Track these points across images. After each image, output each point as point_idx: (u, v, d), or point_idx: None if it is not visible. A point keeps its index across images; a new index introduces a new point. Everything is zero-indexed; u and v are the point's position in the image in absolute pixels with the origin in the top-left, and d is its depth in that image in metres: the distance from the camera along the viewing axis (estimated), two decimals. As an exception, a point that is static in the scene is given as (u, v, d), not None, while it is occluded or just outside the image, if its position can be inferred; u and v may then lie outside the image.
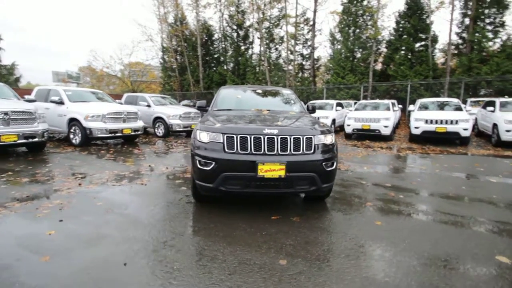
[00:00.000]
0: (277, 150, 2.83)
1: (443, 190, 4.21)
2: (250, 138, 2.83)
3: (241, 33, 26.35)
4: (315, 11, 22.14)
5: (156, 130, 10.62)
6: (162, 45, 28.99)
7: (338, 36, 21.60)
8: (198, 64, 26.07)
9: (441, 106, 10.37)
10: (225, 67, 27.75)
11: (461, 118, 8.77)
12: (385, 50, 20.69)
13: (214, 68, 28.10)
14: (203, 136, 3.00)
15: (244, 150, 2.82)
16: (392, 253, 2.33)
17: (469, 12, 17.58)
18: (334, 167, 3.08)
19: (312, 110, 4.46)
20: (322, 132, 3.05)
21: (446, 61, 18.66)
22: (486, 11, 16.91)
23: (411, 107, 11.42)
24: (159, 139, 9.92)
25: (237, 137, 2.84)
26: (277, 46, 25.26)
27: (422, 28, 18.54)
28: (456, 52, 18.84)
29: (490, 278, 1.99)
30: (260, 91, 4.90)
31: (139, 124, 8.70)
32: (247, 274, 1.99)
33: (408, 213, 3.28)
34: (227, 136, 2.87)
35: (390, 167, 5.98)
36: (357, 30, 20.54)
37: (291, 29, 23.28)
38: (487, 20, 17.04)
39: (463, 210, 3.35)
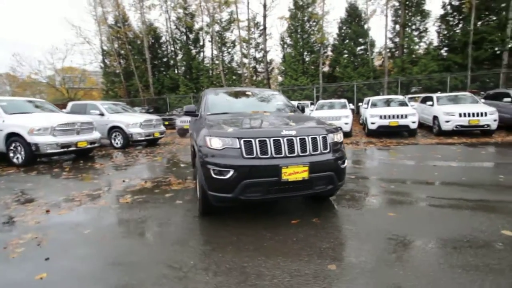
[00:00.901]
0: (298, 152, 2.73)
1: (422, 177, 4.63)
2: (269, 141, 2.68)
3: (192, 36, 25.59)
4: (264, 16, 22.73)
5: (112, 141, 9.54)
6: (102, 48, 26.44)
7: (288, 40, 22.53)
8: (147, 69, 24.47)
9: (390, 103, 11.55)
10: (176, 71, 26.61)
11: (410, 112, 9.88)
12: (330, 53, 22.28)
13: (164, 72, 26.71)
14: (215, 142, 2.73)
15: (264, 154, 2.66)
16: (425, 241, 2.43)
17: (399, 20, 20.05)
18: (346, 164, 3.12)
19: (302, 110, 4.49)
20: (333, 131, 3.07)
21: (383, 63, 20.97)
22: (412, 18, 19.53)
23: (364, 105, 12.47)
24: (117, 151, 8.92)
25: (255, 141, 2.66)
26: (230, 50, 25.21)
27: (361, 34, 20.50)
28: (389, 55, 21.31)
29: (504, 249, 2.21)
30: (249, 93, 4.75)
31: (95, 135, 7.72)
32: (306, 287, 1.85)
33: (409, 202, 3.49)
34: (244, 141, 2.66)
35: (365, 161, 6.39)
36: (305, 35, 21.71)
37: (243, 33, 23.52)
38: (414, 27, 19.67)
39: (451, 193, 3.72)
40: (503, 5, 16.46)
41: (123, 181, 4.97)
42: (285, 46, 22.78)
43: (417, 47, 19.25)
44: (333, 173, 2.88)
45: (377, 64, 21.46)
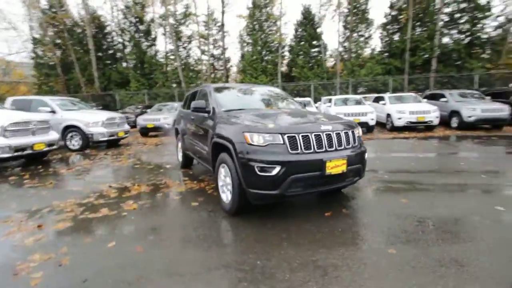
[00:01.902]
0: (335, 146, 2.83)
1: (403, 167, 5.19)
2: (311, 136, 2.72)
3: (142, 27, 23.79)
4: (223, 12, 22.45)
5: (68, 142, 8.34)
6: (33, 36, 22.76)
7: (247, 39, 22.65)
8: (90, 61, 21.89)
9: (350, 102, 12.56)
10: (124, 65, 24.46)
11: (369, 110, 10.91)
12: (288, 54, 23.15)
13: (111, 66, 24.30)
14: (256, 139, 2.65)
15: (307, 149, 2.68)
16: (453, 221, 2.76)
17: (348, 26, 21.85)
18: (366, 156, 3.33)
19: (304, 106, 4.61)
20: (356, 126, 3.25)
21: (335, 65, 22.64)
22: (359, 25, 21.50)
23: (327, 104, 13.28)
24: (76, 154, 7.84)
25: (299, 136, 2.67)
26: (186, 45, 24.19)
27: (315, 37, 21.77)
28: (340, 58, 23.12)
29: (500, 220, 2.67)
30: (254, 89, 4.66)
31: (53, 136, 6.70)
32: (390, 272, 1.96)
33: (410, 189, 3.89)
34: (288, 136, 2.65)
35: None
36: (264, 35, 22.12)
37: (201, 29, 22.81)
38: (360, 33, 21.67)
39: (443, 180, 4.25)
40: (435, 17, 19.28)
41: (109, 186, 4.43)
42: (244, 44, 22.86)
43: (363, 51, 21.27)
44: (361, 165, 3.06)
45: (329, 65, 23.06)
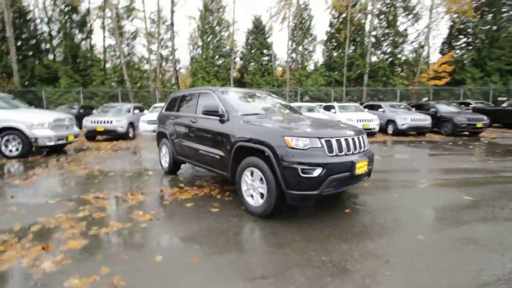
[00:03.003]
0: (358, 149, 3.16)
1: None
2: (342, 140, 2.99)
3: (77, 18, 21.05)
4: (172, 11, 21.53)
5: (3, 148, 6.86)
6: None
7: (199, 41, 22.23)
8: (8, 50, 18.26)
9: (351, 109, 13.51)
10: (51, 57, 21.18)
11: (374, 118, 11.98)
12: (239, 60, 23.58)
13: (33, 58, 20.72)
14: (297, 143, 2.79)
15: (340, 152, 2.95)
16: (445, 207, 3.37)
17: (294, 39, 23.52)
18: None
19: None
20: (363, 131, 3.67)
21: (283, 74, 24.01)
22: (305, 40, 23.36)
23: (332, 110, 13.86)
24: (17, 161, 6.53)
25: (333, 140, 2.91)
26: (129, 42, 22.32)
27: (266, 46, 22.77)
28: (288, 68, 24.65)
29: (465, 206, 3.43)
30: (257, 94, 4.71)
31: (77, 130, 6.72)
32: (430, 252, 2.33)
33: (405, 185, 4.54)
34: (325, 140, 2.87)
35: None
36: (216, 39, 22.08)
37: (146, 25, 21.37)
38: (305, 47, 23.56)
39: (413, 177, 5.05)
40: (365, 39, 22.26)
41: (96, 197, 3.91)
42: (196, 47, 22.37)
43: (308, 63, 23.18)
44: (372, 165, 3.48)
45: (278, 74, 24.34)
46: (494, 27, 21.52)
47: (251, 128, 3.23)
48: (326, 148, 2.85)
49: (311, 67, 23.21)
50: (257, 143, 3.04)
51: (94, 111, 12.58)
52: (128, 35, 21.74)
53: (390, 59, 23.32)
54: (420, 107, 14.17)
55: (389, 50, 23.27)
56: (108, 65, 21.93)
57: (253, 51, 22.47)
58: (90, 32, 21.79)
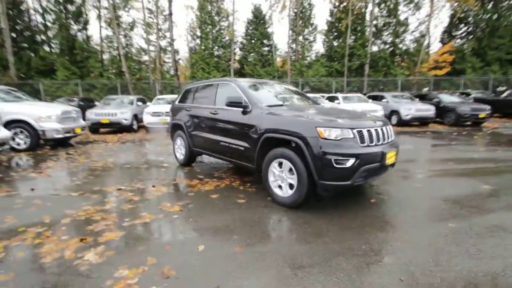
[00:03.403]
0: (386, 139, 3.18)
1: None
2: (372, 130, 3.00)
3: (71, 8, 20.48)
4: (170, 1, 21.04)
5: (11, 141, 6.76)
6: None
7: (198, 32, 21.84)
8: (3, 43, 17.79)
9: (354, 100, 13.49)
10: (47, 49, 20.71)
11: (379, 108, 12.02)
12: (240, 51, 23.28)
13: (28, 50, 20.24)
14: (330, 133, 2.79)
15: (371, 143, 2.96)
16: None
17: (295, 29, 23.22)
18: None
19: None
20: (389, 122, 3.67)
21: (283, 64, 23.81)
22: (305, 30, 23.08)
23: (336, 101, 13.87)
24: (21, 154, 6.45)
25: (364, 131, 2.92)
26: (127, 32, 21.85)
27: (266, 36, 22.48)
28: (289, 58, 24.42)
29: (486, 194, 3.49)
30: (277, 85, 4.68)
31: (84, 122, 6.25)
32: (459, 239, 2.38)
33: (423, 175, 4.59)
34: (357, 131, 2.87)
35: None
36: (216, 29, 21.72)
37: (144, 15, 20.89)
38: (306, 36, 23.30)
39: (430, 167, 5.11)
40: (366, 28, 22.06)
41: (119, 189, 3.90)
42: (195, 37, 21.99)
43: (310, 54, 22.98)
44: (397, 156, 3.51)
45: (279, 65, 24.13)
46: (495, 16, 21.45)
47: (280, 119, 3.21)
48: (358, 139, 2.86)
49: (312, 57, 23.06)
50: (288, 134, 3.03)
51: (97, 103, 12.37)
52: (125, 26, 21.26)
53: (391, 49, 23.21)
54: (423, 97, 14.20)
55: (390, 39, 23.14)
56: (105, 56, 21.51)
57: (253, 41, 22.17)
58: (86, 23, 21.26)
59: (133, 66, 21.15)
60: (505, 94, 16.14)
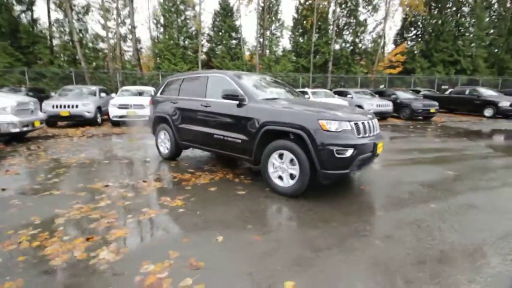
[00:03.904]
0: (374, 131, 3.47)
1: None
2: (365, 123, 3.25)
3: (13, -16, 17.95)
4: (131, -15, 19.61)
5: (-45, 136, 5.85)
6: None
7: (161, 20, 20.74)
8: None
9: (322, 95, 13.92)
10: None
11: (344, 103, 12.49)
12: (206, 43, 22.70)
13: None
14: (332, 125, 2.98)
15: (365, 134, 3.21)
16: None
17: (262, 23, 23.34)
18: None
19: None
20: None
21: (251, 58, 23.85)
22: (272, 25, 23.33)
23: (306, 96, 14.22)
24: (-27, 151, 5.66)
25: (359, 123, 3.16)
26: (80, 17, 19.86)
27: (234, 29, 22.24)
28: (258, 52, 24.50)
29: (452, 179, 4.07)
30: (268, 79, 4.73)
31: (42, 115, 6.03)
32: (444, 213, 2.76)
33: (395, 164, 5.05)
34: (354, 123, 3.10)
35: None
36: (181, 19, 20.85)
37: (101, -1, 19.17)
38: (274, 32, 23.57)
39: (396, 156, 5.64)
40: (329, 27, 23.05)
41: (106, 185, 3.68)
42: (159, 25, 20.87)
43: (277, 49, 23.35)
44: (380, 147, 3.85)
45: (247, 58, 24.09)
46: (440, 22, 23.96)
47: (280, 112, 3.31)
48: (355, 131, 3.09)
49: (279, 52, 23.45)
50: (291, 126, 3.15)
51: (53, 94, 11.11)
52: (78, 9, 19.28)
53: (351, 48, 24.65)
54: (382, 94, 15.44)
55: (350, 39, 24.53)
56: (55, 42, 19.34)
57: (220, 33, 21.78)
58: (32, 3, 18.82)
59: (89, 54, 19.38)
60: (448, 92, 18.29)
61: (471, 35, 24.09)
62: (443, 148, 6.62)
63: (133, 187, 3.64)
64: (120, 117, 10.00)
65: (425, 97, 16.58)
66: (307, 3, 23.23)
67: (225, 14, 21.86)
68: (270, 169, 3.43)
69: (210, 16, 22.74)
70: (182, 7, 20.83)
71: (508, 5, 25.84)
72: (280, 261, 2.02)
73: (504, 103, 13.51)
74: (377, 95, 14.91)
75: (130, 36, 20.74)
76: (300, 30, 24.18)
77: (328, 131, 2.97)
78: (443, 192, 3.56)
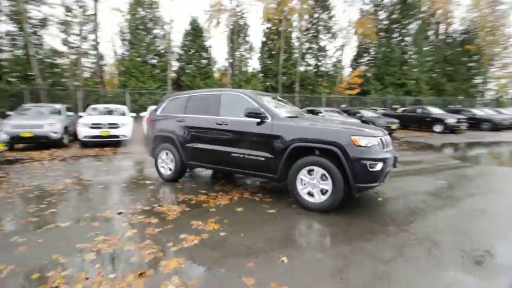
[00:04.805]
0: (390, 147, 3.72)
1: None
2: (383, 139, 3.47)
3: (-48, -9, 15.93)
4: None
5: None
6: None
7: (129, 37, 20.01)
8: None
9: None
10: None
11: None
12: (176, 62, 22.35)
13: None
14: (363, 141, 3.14)
15: (387, 149, 3.44)
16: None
17: (232, 45, 23.93)
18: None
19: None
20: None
21: (221, 78, 24.07)
22: (242, 47, 24.05)
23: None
24: None
25: (383, 139, 3.39)
26: (36, 30, 18.19)
27: (204, 49, 22.39)
28: (228, 72, 24.83)
29: (447, 187, 4.53)
30: (279, 98, 4.81)
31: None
32: (450, 214, 3.03)
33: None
34: (380, 139, 3.31)
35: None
36: (150, 37, 20.39)
37: (61, 12, 17.96)
38: (243, 53, 24.26)
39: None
40: (295, 51, 24.52)
41: (119, 212, 3.33)
42: (125, 43, 20.06)
43: (247, 69, 23.95)
44: (390, 160, 4.13)
45: (218, 78, 24.23)
46: (388, 49, 27.09)
47: (311, 129, 3.40)
48: (381, 146, 3.30)
49: (249, 73, 24.06)
50: (323, 143, 3.23)
51: (9, 113, 9.73)
52: (35, 22, 17.67)
53: (315, 70, 26.41)
54: (348, 112, 16.66)
55: (314, 62, 26.33)
56: (3, 56, 17.33)
57: (190, 52, 21.71)
58: (-26, 11, 16.80)
59: (45, 70, 17.68)
60: (399, 111, 20.43)
61: (414, 61, 27.58)
62: (419, 160, 7.30)
63: (151, 212, 3.34)
64: (92, 137, 9.19)
65: (384, 115, 18.29)
66: (273, 28, 24.54)
67: (196, 34, 21.96)
68: (299, 186, 3.44)
69: (180, 35, 22.55)
70: (150, 24, 20.43)
71: (440, 37, 30.41)
72: (359, 276, 2.01)
73: (451, 120, 15.48)
74: (345, 113, 16.04)
75: (93, 52, 19.54)
76: (268, 53, 25.27)
77: (360, 146, 3.12)
78: (447, 199, 3.90)
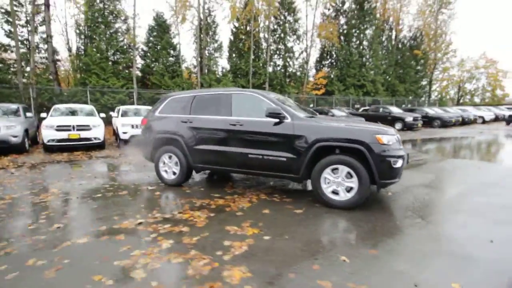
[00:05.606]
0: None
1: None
2: (398, 137, 3.71)
3: None
4: (46, -12, 16.77)
5: None
6: None
7: (86, 31, 18.28)
8: None
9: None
10: None
11: None
12: (141, 59, 21.04)
13: None
14: (386, 139, 3.31)
15: (401, 146, 3.67)
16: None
17: (200, 42, 23.31)
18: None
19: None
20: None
21: (190, 77, 23.30)
22: (211, 45, 23.56)
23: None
24: None
25: (398, 137, 3.60)
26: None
27: (172, 46, 21.44)
28: (198, 71, 24.10)
29: (439, 180, 5.03)
30: (287, 98, 4.75)
31: None
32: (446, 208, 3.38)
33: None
34: (397, 137, 3.52)
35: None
36: (111, 31, 18.90)
37: (5, 1, 15.72)
38: (212, 52, 23.78)
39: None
40: (263, 51, 24.76)
41: (139, 223, 3.05)
42: (82, 37, 18.29)
43: (217, 68, 23.55)
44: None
45: (186, 76, 23.39)
46: (349, 52, 28.85)
47: (334, 129, 3.47)
48: (398, 143, 3.51)
49: (219, 72, 23.68)
50: (349, 141, 3.33)
51: None
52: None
53: (283, 71, 27.00)
54: (320, 112, 17.37)
55: (281, 63, 26.89)
56: None
57: (157, 49, 20.59)
58: None
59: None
60: (361, 110, 21.96)
61: (371, 64, 29.79)
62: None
63: (175, 220, 3.11)
64: (59, 141, 8.24)
65: (351, 114, 19.45)
66: (241, 27, 24.47)
67: (162, 30, 20.90)
68: (323, 185, 3.50)
69: (144, 31, 21.27)
70: (111, 18, 18.92)
71: (393, 42, 33.27)
72: (422, 265, 2.12)
73: (409, 118, 17.04)
74: (317, 113, 16.69)
75: (44, 46, 17.43)
76: (237, 52, 25.12)
77: (384, 144, 3.29)
78: (443, 190, 4.31)
